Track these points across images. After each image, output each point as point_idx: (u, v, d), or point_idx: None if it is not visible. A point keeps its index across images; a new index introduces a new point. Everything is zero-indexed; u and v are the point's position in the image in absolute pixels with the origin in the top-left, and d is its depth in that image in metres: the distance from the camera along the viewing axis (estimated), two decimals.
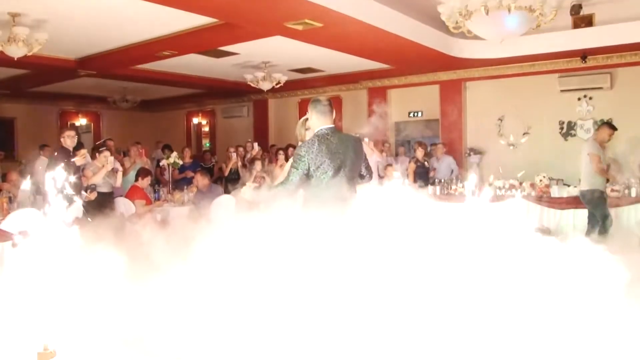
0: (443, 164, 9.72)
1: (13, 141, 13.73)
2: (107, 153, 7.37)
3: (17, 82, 11.33)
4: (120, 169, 8.04)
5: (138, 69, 10.75)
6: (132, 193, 7.70)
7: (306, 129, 4.15)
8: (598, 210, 6.69)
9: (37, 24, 7.25)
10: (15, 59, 7.23)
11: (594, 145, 6.77)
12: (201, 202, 7.52)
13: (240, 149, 11.06)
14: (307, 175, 3.68)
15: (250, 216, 3.61)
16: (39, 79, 11.32)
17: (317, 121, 3.85)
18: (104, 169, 7.15)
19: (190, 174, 9.67)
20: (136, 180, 7.87)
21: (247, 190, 3.82)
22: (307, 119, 4.13)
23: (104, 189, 7.25)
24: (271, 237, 3.09)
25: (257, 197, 3.78)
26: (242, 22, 7.32)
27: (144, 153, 10.14)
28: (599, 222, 6.60)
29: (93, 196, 6.83)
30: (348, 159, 3.78)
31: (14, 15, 7.02)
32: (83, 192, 6.52)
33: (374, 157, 8.75)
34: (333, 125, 3.88)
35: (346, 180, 3.74)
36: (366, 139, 8.59)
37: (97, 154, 7.44)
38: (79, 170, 6.80)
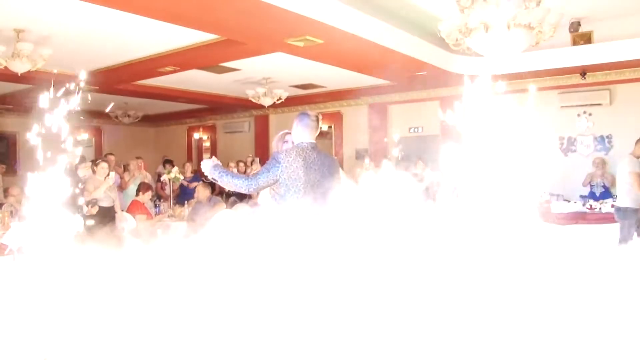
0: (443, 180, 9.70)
1: (16, 156, 13.81)
2: (104, 164, 7.39)
3: (20, 97, 11.40)
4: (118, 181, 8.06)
5: (140, 84, 10.82)
6: (133, 208, 7.71)
7: (284, 142, 4.15)
8: (633, 227, 6.62)
9: (40, 40, 7.32)
10: (19, 74, 7.30)
11: (633, 162, 6.69)
12: (199, 212, 7.51)
13: (241, 164, 11.09)
14: (276, 185, 3.68)
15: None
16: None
17: (301, 134, 3.85)
18: (104, 184, 7.17)
19: (194, 184, 9.70)
20: (137, 194, 7.88)
21: (207, 162, 3.81)
22: (287, 133, 4.15)
23: (105, 204, 7.26)
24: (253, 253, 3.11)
25: (214, 175, 3.75)
26: (244, 38, 7.38)
27: (143, 167, 10.18)
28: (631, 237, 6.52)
29: (94, 210, 6.84)
30: (323, 178, 3.77)
31: (18, 31, 7.09)
32: (84, 207, 6.54)
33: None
34: (315, 142, 3.88)
35: (317, 198, 3.70)
36: (367, 160, 8.59)
37: (95, 167, 7.47)
38: (80, 185, 6.83)
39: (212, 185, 10.08)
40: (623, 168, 6.79)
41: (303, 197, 3.66)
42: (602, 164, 9.00)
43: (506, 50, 5.85)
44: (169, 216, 8.13)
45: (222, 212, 7.62)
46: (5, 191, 8.34)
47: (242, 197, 9.10)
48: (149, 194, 7.94)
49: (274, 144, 4.28)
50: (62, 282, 3.23)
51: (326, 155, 3.99)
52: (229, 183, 3.74)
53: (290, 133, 4.11)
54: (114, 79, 10.10)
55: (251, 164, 11.23)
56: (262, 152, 13.49)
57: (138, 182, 8.71)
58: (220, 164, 3.89)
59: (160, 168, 12.25)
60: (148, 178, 9.77)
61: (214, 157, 3.98)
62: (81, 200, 6.34)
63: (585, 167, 9.31)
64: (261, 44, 7.69)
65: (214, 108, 14.30)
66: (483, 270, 2.68)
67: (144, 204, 7.85)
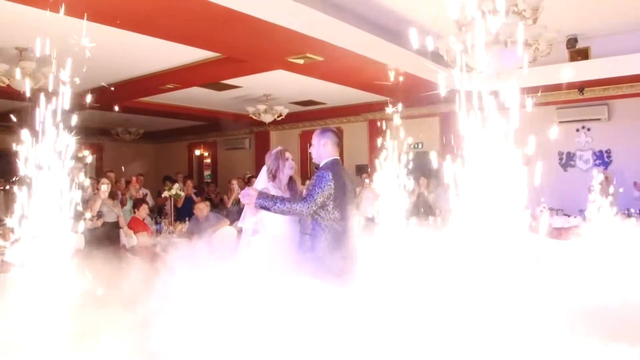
0: (444, 196, 9.73)
1: (16, 173, 13.81)
2: (105, 180, 7.44)
3: (22, 114, 11.43)
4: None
5: (141, 101, 10.88)
6: (133, 225, 7.71)
7: (285, 159, 4.05)
8: None
9: (43, 58, 7.38)
10: (22, 92, 7.34)
11: None
12: (196, 228, 7.51)
13: (240, 181, 11.11)
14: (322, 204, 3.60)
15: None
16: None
17: (330, 151, 3.83)
18: (98, 198, 7.14)
19: (199, 200, 9.74)
20: (133, 212, 7.90)
21: (249, 192, 3.58)
22: (284, 150, 4.10)
23: (110, 219, 7.27)
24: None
25: (265, 204, 3.54)
26: (244, 56, 7.45)
27: (137, 181, 10.22)
28: None
29: (100, 222, 6.84)
30: (353, 193, 3.87)
31: (21, 50, 7.17)
32: (87, 221, 6.54)
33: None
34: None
35: (351, 212, 3.75)
36: (367, 180, 8.52)
37: (98, 186, 7.50)
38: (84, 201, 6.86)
39: (212, 204, 10.11)
40: None
41: (346, 211, 3.69)
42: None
43: (504, 67, 5.90)
44: (169, 232, 8.13)
45: (226, 230, 7.64)
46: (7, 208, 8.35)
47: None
48: (145, 209, 7.93)
49: (271, 163, 4.06)
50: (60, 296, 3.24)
51: (347, 171, 4.04)
52: (286, 210, 3.54)
53: (287, 150, 4.12)
54: (115, 96, 10.16)
55: (249, 180, 11.24)
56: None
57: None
58: (265, 192, 3.69)
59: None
60: (141, 194, 9.79)
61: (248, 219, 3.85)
62: (87, 215, 6.37)
63: (584, 182, 9.33)
64: (262, 61, 7.76)
65: (214, 125, 14.36)
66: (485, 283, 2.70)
67: (143, 220, 7.84)
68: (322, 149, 3.83)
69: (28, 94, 3.36)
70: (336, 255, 3.55)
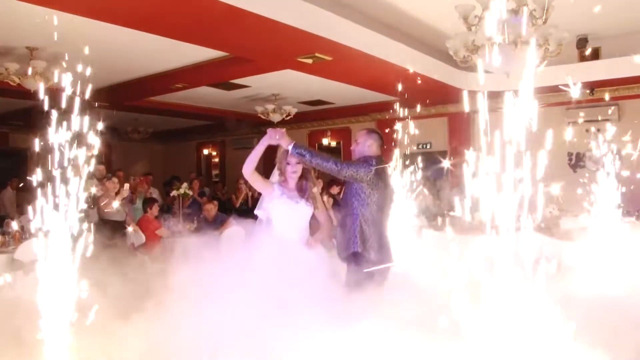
0: (451, 197, 9.72)
1: (27, 172, 13.91)
2: (114, 179, 7.48)
3: (31, 113, 11.52)
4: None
5: (150, 100, 10.93)
6: (145, 225, 7.71)
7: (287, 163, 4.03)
8: None
9: (53, 57, 7.43)
10: (32, 91, 7.40)
11: None
12: (206, 228, 7.53)
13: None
14: (361, 186, 3.79)
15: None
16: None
17: (375, 152, 4.00)
18: (119, 195, 7.24)
19: (205, 200, 9.76)
20: (145, 211, 7.92)
21: (278, 132, 3.79)
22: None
23: (118, 217, 7.32)
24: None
25: (301, 151, 3.74)
26: (253, 56, 7.46)
27: (146, 182, 10.26)
28: None
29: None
30: (392, 189, 4.11)
31: (31, 50, 7.22)
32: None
33: None
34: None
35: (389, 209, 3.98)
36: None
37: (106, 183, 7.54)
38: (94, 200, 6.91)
39: (221, 204, 10.12)
40: None
41: (384, 205, 3.90)
42: None
43: (513, 67, 5.88)
44: (178, 232, 8.16)
45: (234, 229, 7.64)
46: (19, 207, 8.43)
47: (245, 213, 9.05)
48: (156, 208, 7.97)
49: (279, 162, 4.10)
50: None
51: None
52: (315, 163, 3.76)
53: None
54: (124, 96, 10.22)
55: None
56: (271, 168, 13.49)
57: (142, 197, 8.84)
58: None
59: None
60: (150, 194, 9.84)
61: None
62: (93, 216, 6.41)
63: (594, 183, 9.27)
64: (270, 61, 7.77)
65: (223, 124, 14.38)
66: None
67: (155, 218, 7.88)
68: (367, 149, 4.00)
69: (41, 94, 3.35)
70: (375, 248, 3.77)
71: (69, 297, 3.27)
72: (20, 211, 8.15)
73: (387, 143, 4.15)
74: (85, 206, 3.40)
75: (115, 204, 7.21)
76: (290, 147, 3.74)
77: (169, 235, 7.40)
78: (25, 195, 9.87)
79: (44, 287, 3.24)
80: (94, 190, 6.98)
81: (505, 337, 2.57)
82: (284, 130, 3.83)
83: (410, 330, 2.85)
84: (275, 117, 10.79)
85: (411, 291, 3.48)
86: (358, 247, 3.75)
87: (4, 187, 11.36)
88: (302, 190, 3.97)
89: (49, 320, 3.22)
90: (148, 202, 8.09)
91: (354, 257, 3.77)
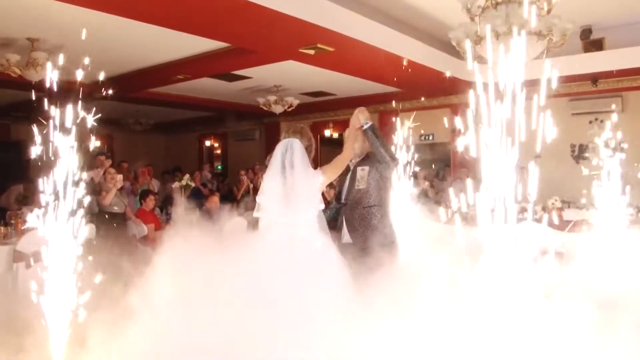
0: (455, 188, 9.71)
1: (28, 164, 13.93)
2: (112, 170, 7.48)
3: (33, 105, 11.51)
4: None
5: (152, 92, 10.90)
6: (141, 217, 7.71)
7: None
8: None
9: (54, 48, 7.41)
10: (33, 82, 7.38)
11: None
12: (208, 219, 7.52)
13: (250, 172, 11.12)
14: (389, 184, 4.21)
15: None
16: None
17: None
18: (114, 189, 7.21)
19: (206, 191, 9.77)
20: (140, 203, 7.92)
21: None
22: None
23: (118, 209, 7.31)
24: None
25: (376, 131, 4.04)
26: (255, 47, 7.43)
27: (147, 173, 10.25)
28: None
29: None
30: None
31: (32, 41, 7.19)
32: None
33: None
34: None
35: None
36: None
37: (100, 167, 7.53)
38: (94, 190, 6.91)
39: (220, 194, 10.12)
40: None
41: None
42: None
43: (516, 58, 5.83)
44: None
45: (235, 220, 7.64)
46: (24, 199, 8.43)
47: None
48: (151, 201, 7.94)
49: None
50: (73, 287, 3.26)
51: None
52: (385, 145, 4.10)
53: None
54: (126, 87, 10.19)
55: (258, 171, 11.24)
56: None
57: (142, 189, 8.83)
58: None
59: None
60: (151, 186, 9.83)
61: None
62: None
63: (597, 174, 9.24)
64: (272, 52, 7.73)
65: (224, 116, 14.37)
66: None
67: (150, 211, 7.86)
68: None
69: (47, 84, 3.35)
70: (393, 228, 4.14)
71: (69, 289, 3.27)
72: (25, 202, 8.15)
73: (389, 135, 4.23)
74: (84, 193, 3.40)
75: (111, 196, 7.19)
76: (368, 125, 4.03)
77: (155, 235, 7.36)
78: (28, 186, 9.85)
79: (45, 279, 3.25)
80: (85, 175, 6.98)
81: (506, 329, 2.57)
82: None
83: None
84: (277, 109, 10.76)
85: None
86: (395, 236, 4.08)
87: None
88: None
89: (50, 312, 3.22)
90: (143, 194, 8.08)
91: (391, 247, 3.97)
